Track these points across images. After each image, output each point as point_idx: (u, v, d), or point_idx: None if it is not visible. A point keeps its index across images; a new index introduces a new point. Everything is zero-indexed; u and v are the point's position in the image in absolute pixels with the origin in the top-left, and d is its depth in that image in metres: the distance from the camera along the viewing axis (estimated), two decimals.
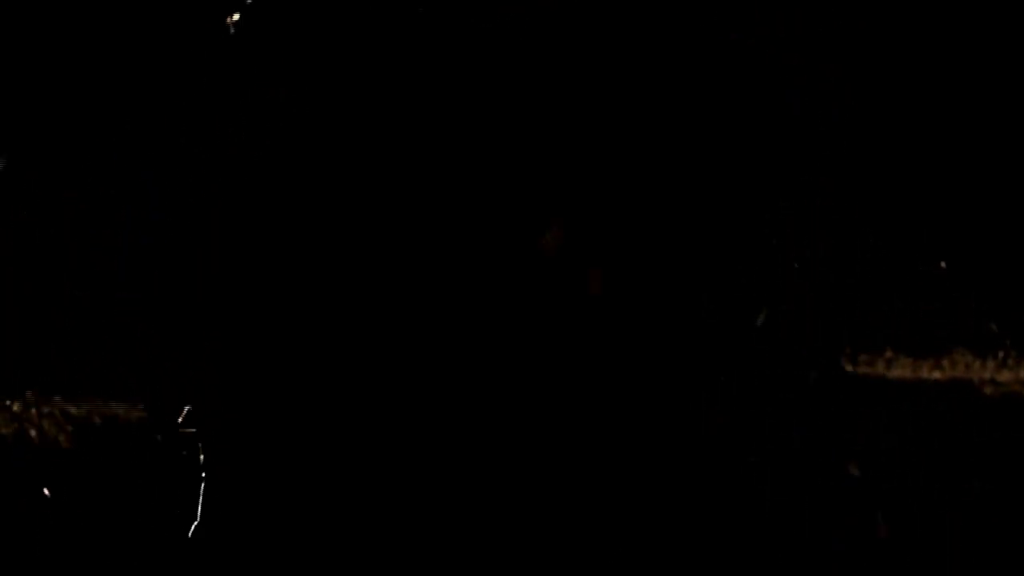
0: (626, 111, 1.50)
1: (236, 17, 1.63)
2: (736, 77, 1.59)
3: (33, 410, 5.87)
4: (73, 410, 5.93)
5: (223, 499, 1.64)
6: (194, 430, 1.58)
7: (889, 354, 10.22)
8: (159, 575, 1.48)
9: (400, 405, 1.58)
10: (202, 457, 1.60)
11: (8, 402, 5.68)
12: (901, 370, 9.89)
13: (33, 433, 5.75)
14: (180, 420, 1.61)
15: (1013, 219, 13.97)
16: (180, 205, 1.60)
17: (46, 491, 4.57)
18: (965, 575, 4.06)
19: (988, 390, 8.81)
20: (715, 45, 1.53)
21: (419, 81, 1.58)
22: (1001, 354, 10.00)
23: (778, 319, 1.71)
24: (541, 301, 1.60)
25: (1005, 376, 9.50)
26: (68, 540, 1.41)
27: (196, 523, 1.66)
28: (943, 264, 11.27)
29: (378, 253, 1.57)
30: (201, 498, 1.65)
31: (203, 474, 1.63)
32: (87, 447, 5.12)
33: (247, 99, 1.57)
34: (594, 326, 1.63)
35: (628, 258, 1.63)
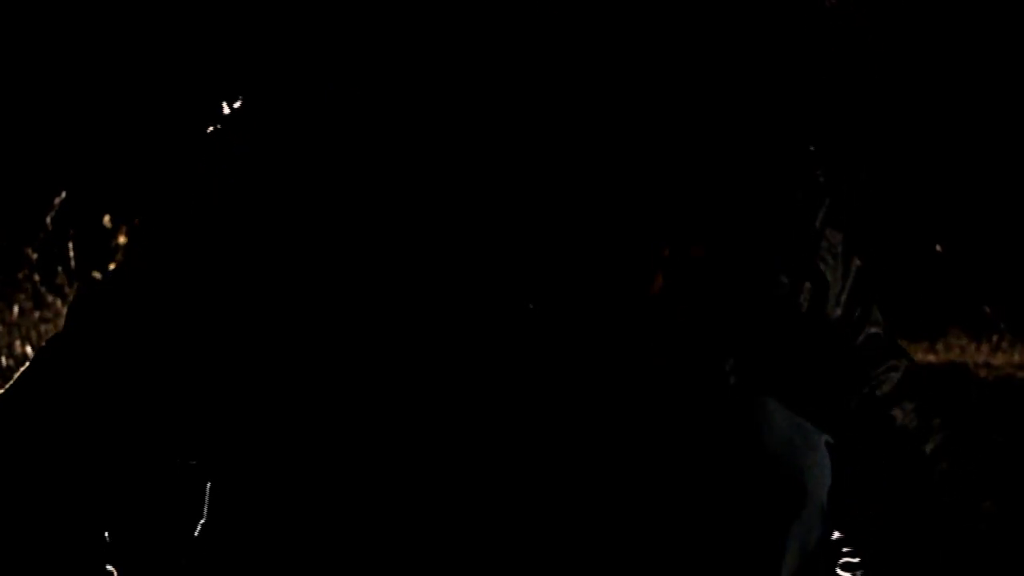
0: (633, 115, 1.51)
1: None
2: (741, 79, 1.62)
3: None
4: None
5: (222, 499, 1.66)
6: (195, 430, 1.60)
7: None
8: (160, 572, 1.50)
9: (403, 405, 1.59)
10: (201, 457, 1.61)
11: None
12: None
13: None
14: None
15: (1007, 204, 13.99)
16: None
17: None
18: (961, 560, 4.08)
19: (983, 373, 8.84)
20: (719, 47, 1.55)
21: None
22: (995, 337, 10.04)
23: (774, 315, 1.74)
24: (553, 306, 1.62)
25: (999, 359, 9.53)
26: (74, 531, 1.43)
27: (196, 522, 1.67)
28: (938, 248, 11.30)
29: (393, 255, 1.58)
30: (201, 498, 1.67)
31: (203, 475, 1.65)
32: None
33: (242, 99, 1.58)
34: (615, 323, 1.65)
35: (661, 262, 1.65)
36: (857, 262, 1.75)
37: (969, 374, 8.57)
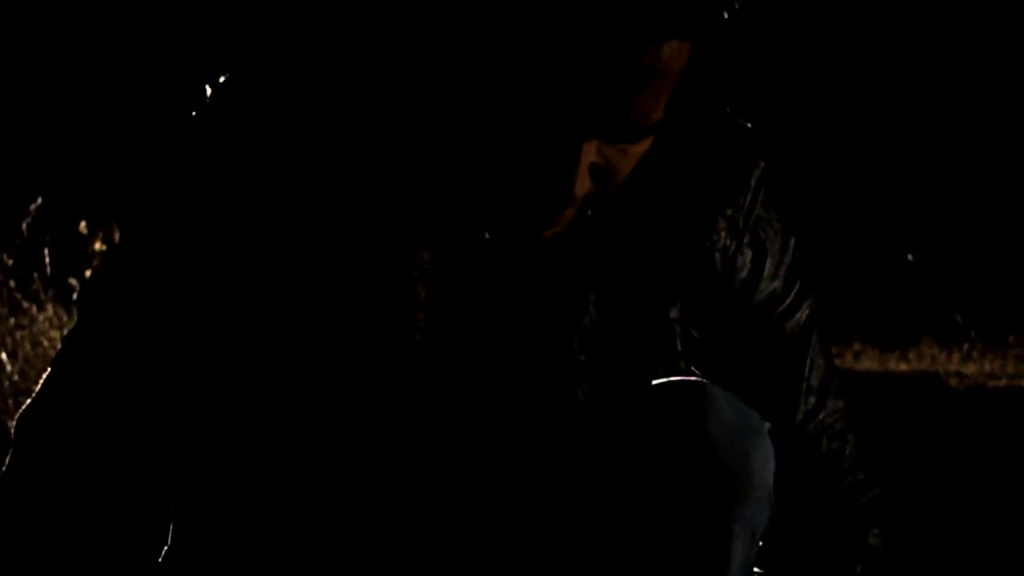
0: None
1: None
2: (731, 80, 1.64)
3: None
4: None
5: (217, 504, 1.67)
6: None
7: (857, 346, 10.31)
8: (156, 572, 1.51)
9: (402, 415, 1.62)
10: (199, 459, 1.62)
11: (10, 401, 5.70)
12: (869, 362, 9.96)
13: None
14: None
15: (978, 213, 14.05)
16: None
17: None
18: (929, 563, 4.15)
19: (954, 382, 8.88)
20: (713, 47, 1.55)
21: None
22: (966, 346, 10.10)
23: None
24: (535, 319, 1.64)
25: (970, 368, 9.57)
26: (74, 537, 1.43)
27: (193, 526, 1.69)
28: (910, 257, 11.36)
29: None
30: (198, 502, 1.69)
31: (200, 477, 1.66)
32: None
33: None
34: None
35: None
36: (793, 240, 1.74)
37: (940, 383, 8.61)
